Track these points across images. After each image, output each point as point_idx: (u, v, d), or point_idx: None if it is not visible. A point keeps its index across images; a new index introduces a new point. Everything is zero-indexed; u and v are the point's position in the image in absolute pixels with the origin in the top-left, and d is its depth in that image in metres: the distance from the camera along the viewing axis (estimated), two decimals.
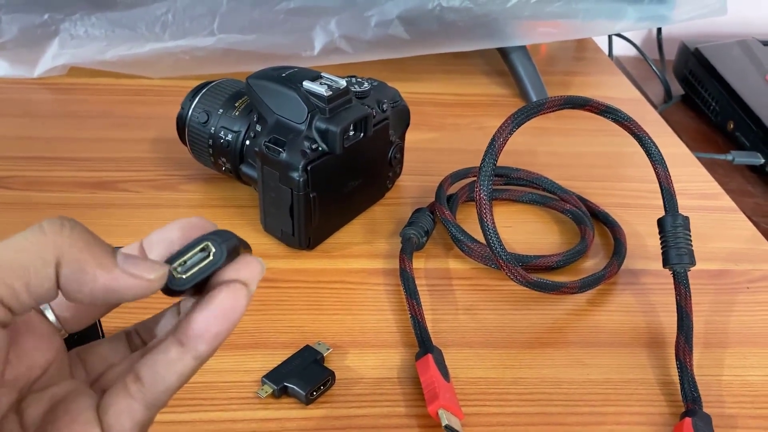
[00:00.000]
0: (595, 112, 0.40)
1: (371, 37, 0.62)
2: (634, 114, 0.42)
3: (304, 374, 0.36)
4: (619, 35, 0.87)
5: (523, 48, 0.68)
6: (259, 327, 0.40)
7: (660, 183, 0.41)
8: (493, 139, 0.37)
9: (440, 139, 0.60)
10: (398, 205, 0.51)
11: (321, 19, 0.62)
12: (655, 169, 0.41)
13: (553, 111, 0.38)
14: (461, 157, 0.56)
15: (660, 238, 0.41)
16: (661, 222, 0.41)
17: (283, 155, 0.41)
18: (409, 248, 0.44)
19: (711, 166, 0.67)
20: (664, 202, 0.41)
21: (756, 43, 0.82)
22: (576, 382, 0.38)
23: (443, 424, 0.33)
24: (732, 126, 0.74)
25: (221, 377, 0.36)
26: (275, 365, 0.36)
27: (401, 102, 0.49)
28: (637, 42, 0.90)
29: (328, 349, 0.38)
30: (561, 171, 0.55)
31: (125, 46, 0.63)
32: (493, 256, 0.38)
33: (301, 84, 0.42)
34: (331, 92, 0.42)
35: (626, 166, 0.58)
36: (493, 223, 0.37)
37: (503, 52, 0.69)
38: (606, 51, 0.88)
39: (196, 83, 0.49)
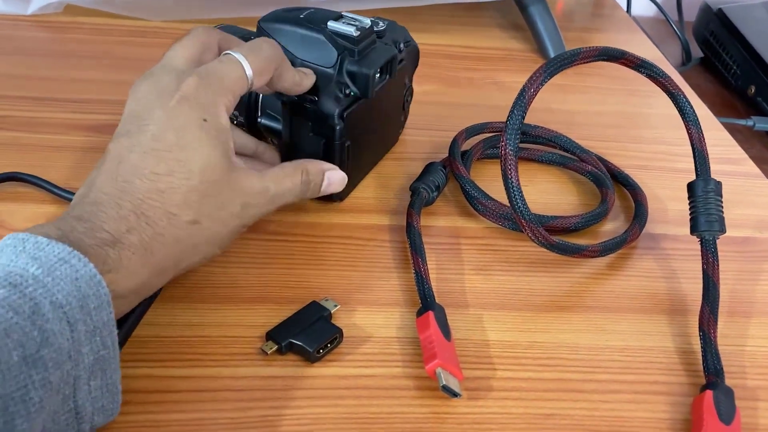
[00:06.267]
0: (630, 66, 0.37)
1: None
2: None
3: (311, 331, 0.34)
4: None
5: (542, 0, 0.65)
6: (264, 281, 0.38)
7: (693, 145, 0.38)
8: (522, 90, 0.35)
9: (453, 93, 0.58)
10: (409, 160, 0.48)
11: None
12: (688, 129, 0.38)
13: (587, 62, 0.36)
14: (475, 112, 0.53)
15: (689, 203, 0.39)
16: (691, 186, 0.39)
17: (317, 103, 0.39)
18: (417, 202, 0.42)
19: (730, 132, 0.64)
20: (695, 166, 0.38)
21: None
22: (594, 348, 0.36)
23: (440, 385, 0.32)
24: (753, 91, 0.72)
25: (223, 332, 0.35)
26: (280, 321, 0.35)
27: (413, 42, 0.46)
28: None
29: (335, 306, 0.36)
30: (578, 130, 0.52)
31: None
32: (515, 216, 0.36)
33: (326, 25, 0.40)
34: (359, 32, 0.39)
35: (644, 127, 0.56)
36: (518, 180, 0.35)
37: (521, 5, 0.66)
38: (624, 8, 0.85)
39: (197, 25, 0.46)
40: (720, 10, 0.78)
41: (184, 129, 0.31)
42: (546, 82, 0.35)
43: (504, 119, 0.36)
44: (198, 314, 0.35)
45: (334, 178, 0.38)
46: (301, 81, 0.38)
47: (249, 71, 0.34)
